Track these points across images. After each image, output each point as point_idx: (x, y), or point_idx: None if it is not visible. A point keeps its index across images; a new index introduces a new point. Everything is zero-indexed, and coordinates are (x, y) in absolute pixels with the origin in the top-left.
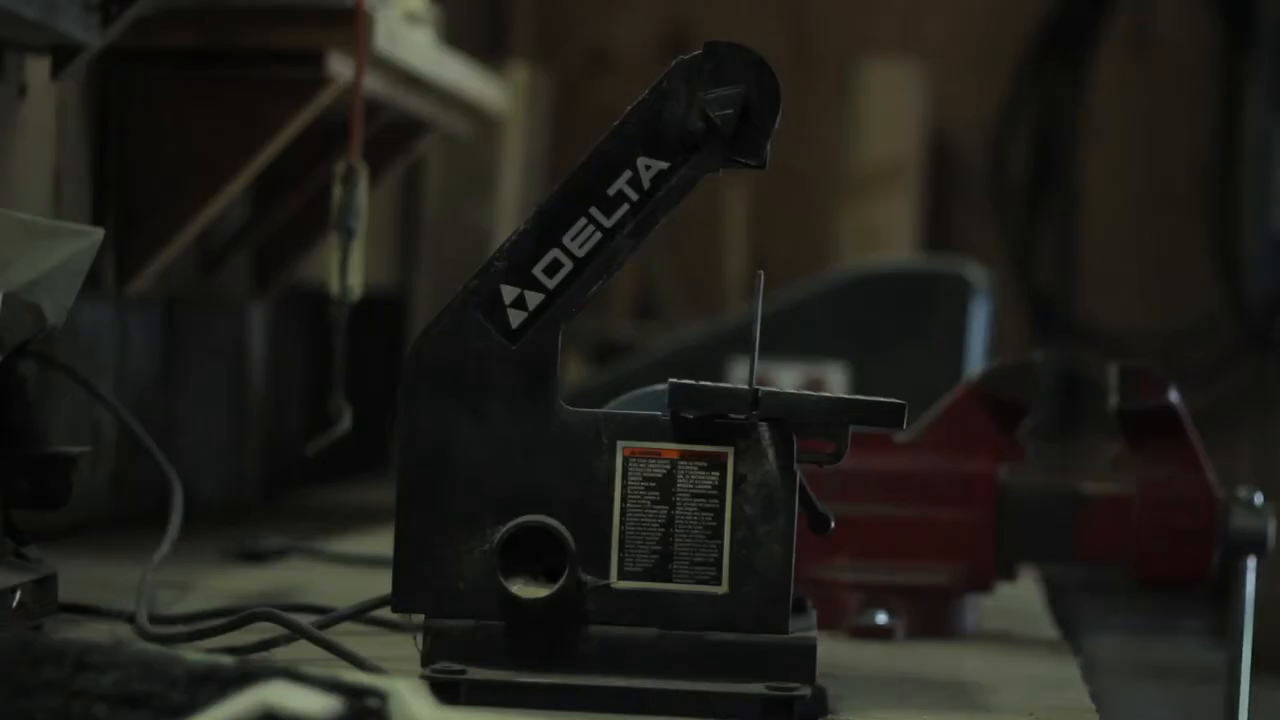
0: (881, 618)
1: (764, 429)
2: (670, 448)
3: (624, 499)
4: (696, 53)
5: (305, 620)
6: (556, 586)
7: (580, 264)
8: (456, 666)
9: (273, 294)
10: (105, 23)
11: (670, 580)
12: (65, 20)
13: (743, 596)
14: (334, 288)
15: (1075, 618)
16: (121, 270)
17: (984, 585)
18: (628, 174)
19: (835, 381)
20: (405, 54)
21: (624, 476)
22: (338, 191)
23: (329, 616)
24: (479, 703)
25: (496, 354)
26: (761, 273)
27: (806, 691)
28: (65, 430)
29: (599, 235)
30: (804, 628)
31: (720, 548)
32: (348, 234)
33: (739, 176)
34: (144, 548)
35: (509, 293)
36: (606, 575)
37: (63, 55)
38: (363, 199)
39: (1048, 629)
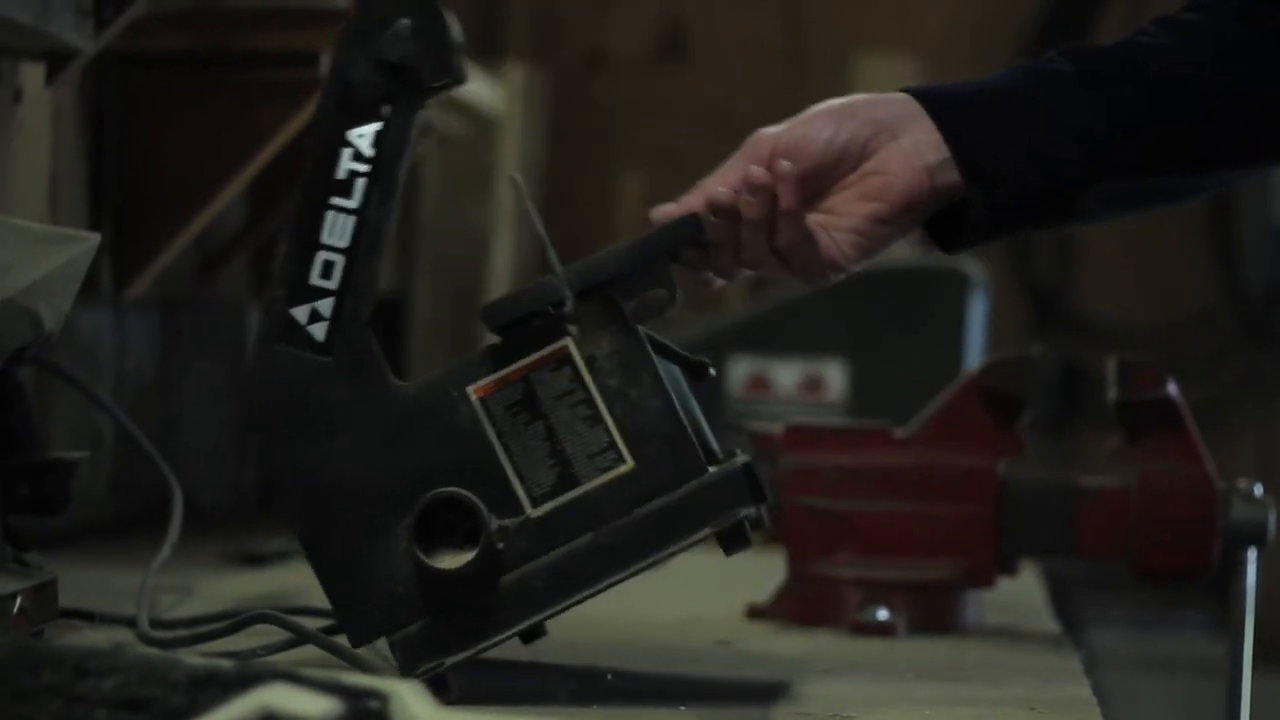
0: (882, 614)
1: (588, 306)
2: (514, 369)
3: (499, 435)
4: (348, 15)
5: (306, 623)
6: (481, 545)
7: (350, 253)
8: (434, 663)
9: None
10: (99, 27)
11: (579, 484)
12: (59, 25)
13: (650, 463)
14: None
15: (1076, 612)
16: (119, 274)
17: (984, 580)
18: (347, 151)
19: (834, 377)
20: None
21: (488, 416)
22: None
23: (330, 620)
24: (477, 682)
25: (318, 372)
26: (517, 176)
27: (749, 510)
28: (64, 435)
29: (352, 219)
30: (729, 461)
31: (607, 430)
32: None
33: None
34: (144, 552)
35: (301, 313)
36: (522, 511)
37: (57, 60)
38: None
39: (1049, 623)
